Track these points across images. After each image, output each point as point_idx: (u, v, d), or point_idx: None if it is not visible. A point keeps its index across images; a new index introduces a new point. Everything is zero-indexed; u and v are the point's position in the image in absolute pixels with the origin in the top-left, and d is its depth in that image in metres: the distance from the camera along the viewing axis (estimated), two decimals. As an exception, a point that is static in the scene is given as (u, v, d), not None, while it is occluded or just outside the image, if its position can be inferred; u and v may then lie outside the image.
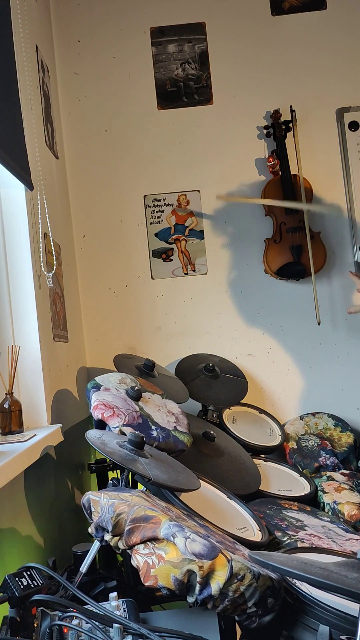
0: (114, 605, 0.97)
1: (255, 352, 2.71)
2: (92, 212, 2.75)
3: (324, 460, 2.35)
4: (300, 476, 2.19)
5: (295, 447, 2.44)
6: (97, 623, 0.89)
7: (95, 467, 2.14)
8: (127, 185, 2.76)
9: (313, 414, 2.60)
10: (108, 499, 1.08)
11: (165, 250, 2.74)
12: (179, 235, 2.74)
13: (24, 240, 1.82)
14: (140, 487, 1.76)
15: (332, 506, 1.94)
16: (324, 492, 2.05)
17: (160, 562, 0.93)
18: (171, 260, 2.74)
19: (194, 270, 2.73)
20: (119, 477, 1.48)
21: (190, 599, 0.91)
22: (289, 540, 1.52)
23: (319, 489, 2.09)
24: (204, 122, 2.77)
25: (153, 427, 1.66)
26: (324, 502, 1.99)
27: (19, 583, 0.95)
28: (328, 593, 0.97)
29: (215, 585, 0.88)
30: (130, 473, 1.40)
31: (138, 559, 0.96)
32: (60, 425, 1.76)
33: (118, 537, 1.02)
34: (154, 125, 2.77)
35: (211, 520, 1.38)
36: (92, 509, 1.08)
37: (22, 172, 1.74)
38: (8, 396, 1.62)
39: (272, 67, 2.77)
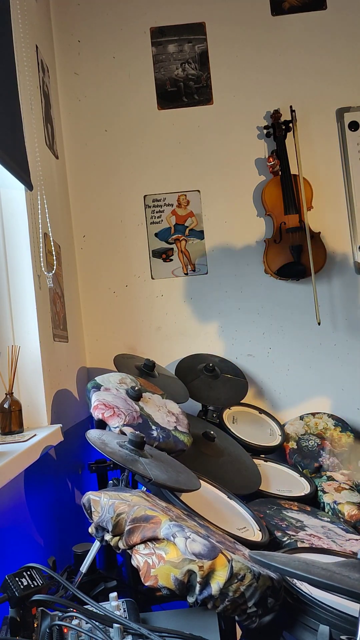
0: (114, 605, 0.97)
1: (255, 352, 2.71)
2: (92, 212, 2.75)
3: (324, 460, 2.35)
4: (300, 476, 2.19)
5: (295, 447, 2.44)
6: (97, 623, 0.89)
7: (95, 467, 2.14)
8: (127, 185, 2.76)
9: (313, 414, 2.60)
10: (108, 499, 1.08)
11: (165, 250, 2.74)
12: (179, 235, 2.74)
13: (24, 240, 1.82)
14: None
15: (332, 506, 1.94)
16: (324, 492, 2.04)
17: (161, 562, 0.92)
18: (171, 260, 2.73)
19: (194, 270, 2.73)
20: (120, 477, 1.48)
21: (191, 599, 0.90)
22: (289, 541, 1.52)
23: (319, 489, 2.09)
24: (204, 122, 2.77)
25: (153, 427, 1.66)
26: (324, 502, 1.99)
27: (19, 583, 0.95)
28: (328, 593, 0.96)
29: (215, 585, 0.88)
30: (130, 473, 1.40)
31: (138, 559, 0.96)
32: (60, 425, 1.76)
33: (118, 537, 1.02)
34: (154, 125, 2.77)
35: (211, 520, 1.38)
36: (93, 509, 1.08)
37: (21, 172, 1.74)
38: (8, 396, 1.62)
39: (272, 67, 2.77)
